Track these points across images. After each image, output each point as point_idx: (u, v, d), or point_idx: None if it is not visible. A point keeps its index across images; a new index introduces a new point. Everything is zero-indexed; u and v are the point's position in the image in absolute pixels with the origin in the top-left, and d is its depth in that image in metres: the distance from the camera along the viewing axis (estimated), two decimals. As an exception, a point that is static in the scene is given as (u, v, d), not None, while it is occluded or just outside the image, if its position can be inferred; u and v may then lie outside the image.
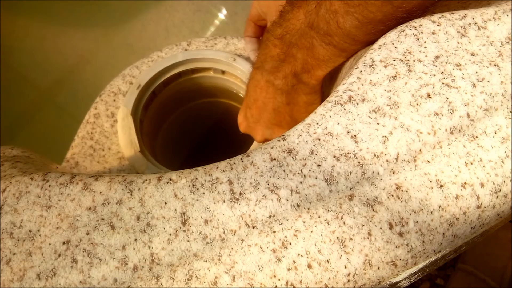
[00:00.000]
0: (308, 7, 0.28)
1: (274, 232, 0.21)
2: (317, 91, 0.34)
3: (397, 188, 0.22)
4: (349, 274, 0.21)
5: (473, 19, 0.26)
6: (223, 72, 0.55)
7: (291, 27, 0.30)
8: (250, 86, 0.38)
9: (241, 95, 0.58)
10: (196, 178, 0.23)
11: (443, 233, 0.22)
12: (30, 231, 0.22)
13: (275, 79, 0.34)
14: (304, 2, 0.29)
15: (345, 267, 0.21)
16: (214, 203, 0.22)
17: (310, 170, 0.22)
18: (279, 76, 0.34)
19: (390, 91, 0.24)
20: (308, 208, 0.22)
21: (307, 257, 0.21)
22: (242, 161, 0.23)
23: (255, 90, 0.37)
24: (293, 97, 0.35)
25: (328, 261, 0.21)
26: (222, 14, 0.77)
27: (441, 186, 0.22)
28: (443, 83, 0.24)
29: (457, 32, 0.25)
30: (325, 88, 0.37)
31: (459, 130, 0.23)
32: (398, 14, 0.25)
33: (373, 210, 0.21)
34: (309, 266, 0.21)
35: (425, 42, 0.25)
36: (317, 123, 0.24)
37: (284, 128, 0.38)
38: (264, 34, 0.35)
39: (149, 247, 0.21)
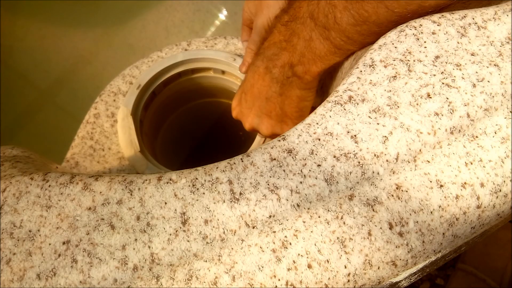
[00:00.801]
0: None
1: (274, 232, 0.21)
2: (312, 88, 0.35)
3: (397, 188, 0.22)
4: (349, 274, 0.21)
5: (473, 19, 0.26)
6: (223, 72, 0.55)
7: (296, 15, 0.31)
8: (250, 72, 0.38)
9: (241, 95, 0.58)
10: (196, 178, 0.23)
11: (443, 233, 0.22)
12: (30, 231, 0.22)
13: (273, 67, 0.35)
14: None
15: (345, 267, 0.21)
16: (214, 203, 0.22)
17: (310, 170, 0.22)
18: (277, 64, 0.34)
19: (390, 91, 0.24)
20: (308, 208, 0.22)
21: (307, 257, 0.21)
22: (242, 161, 0.23)
23: (254, 76, 0.37)
24: (287, 89, 0.35)
25: (328, 261, 0.21)
26: (222, 14, 0.77)
27: (441, 186, 0.22)
28: (443, 83, 0.24)
29: (457, 32, 0.25)
30: (326, 88, 0.37)
31: (459, 130, 0.23)
32: (391, 18, 0.26)
33: (373, 210, 0.21)
34: (309, 266, 0.21)
35: (425, 42, 0.25)
36: (317, 123, 0.24)
37: (272, 119, 0.38)
38: (272, 21, 0.36)
39: (149, 247, 0.21)
